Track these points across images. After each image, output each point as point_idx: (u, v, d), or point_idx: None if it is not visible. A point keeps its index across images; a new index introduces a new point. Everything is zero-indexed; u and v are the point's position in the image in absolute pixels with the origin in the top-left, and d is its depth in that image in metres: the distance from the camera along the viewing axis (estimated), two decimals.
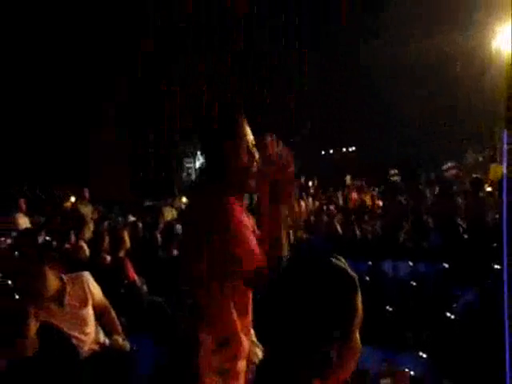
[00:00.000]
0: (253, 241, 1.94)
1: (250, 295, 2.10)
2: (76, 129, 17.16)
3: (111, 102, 18.04)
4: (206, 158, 2.15)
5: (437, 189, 7.51)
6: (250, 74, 18.50)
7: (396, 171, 11.39)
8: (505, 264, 2.15)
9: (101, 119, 18.04)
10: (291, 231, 7.37)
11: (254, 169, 2.04)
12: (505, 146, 1.97)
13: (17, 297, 3.33)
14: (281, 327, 1.17)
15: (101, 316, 3.32)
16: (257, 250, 1.92)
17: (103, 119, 18.15)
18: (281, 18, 19.07)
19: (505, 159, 2.04)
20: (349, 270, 1.18)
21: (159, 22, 17.91)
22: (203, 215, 2.01)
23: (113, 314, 3.39)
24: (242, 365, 2.04)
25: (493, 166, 12.39)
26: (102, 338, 3.26)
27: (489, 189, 8.33)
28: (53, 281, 3.14)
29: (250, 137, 2.08)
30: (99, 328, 3.30)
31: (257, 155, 2.04)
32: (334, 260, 1.18)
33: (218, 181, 2.06)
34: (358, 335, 1.21)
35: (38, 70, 16.07)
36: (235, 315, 2.02)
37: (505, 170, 2.27)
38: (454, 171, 13.74)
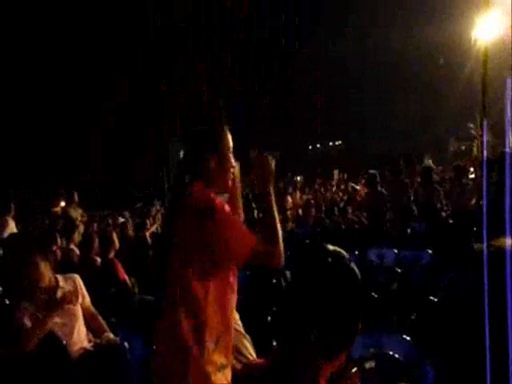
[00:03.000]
0: (240, 223, 2.07)
1: (236, 287, 2.15)
2: (69, 133, 17.17)
3: (110, 102, 17.96)
4: (190, 161, 2.22)
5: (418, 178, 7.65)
6: (248, 73, 18.69)
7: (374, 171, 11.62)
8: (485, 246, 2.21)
9: (99, 121, 18.01)
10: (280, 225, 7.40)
11: (231, 170, 2.23)
12: (485, 133, 2.05)
13: (7, 302, 3.37)
14: (311, 314, 1.41)
15: (90, 322, 3.36)
16: (246, 231, 2.02)
17: (102, 121, 18.11)
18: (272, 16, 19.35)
19: (485, 147, 2.13)
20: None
21: (159, 22, 17.96)
22: (189, 210, 2.07)
23: (100, 319, 3.43)
24: (231, 358, 2.10)
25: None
26: (92, 338, 3.30)
27: (472, 176, 8.44)
28: (45, 269, 3.16)
29: (230, 143, 2.23)
30: (88, 330, 3.33)
31: (233, 159, 2.23)
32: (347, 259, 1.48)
33: (200, 180, 2.13)
34: None
35: (39, 69, 16.05)
36: (227, 310, 2.07)
37: (485, 157, 2.36)
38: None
